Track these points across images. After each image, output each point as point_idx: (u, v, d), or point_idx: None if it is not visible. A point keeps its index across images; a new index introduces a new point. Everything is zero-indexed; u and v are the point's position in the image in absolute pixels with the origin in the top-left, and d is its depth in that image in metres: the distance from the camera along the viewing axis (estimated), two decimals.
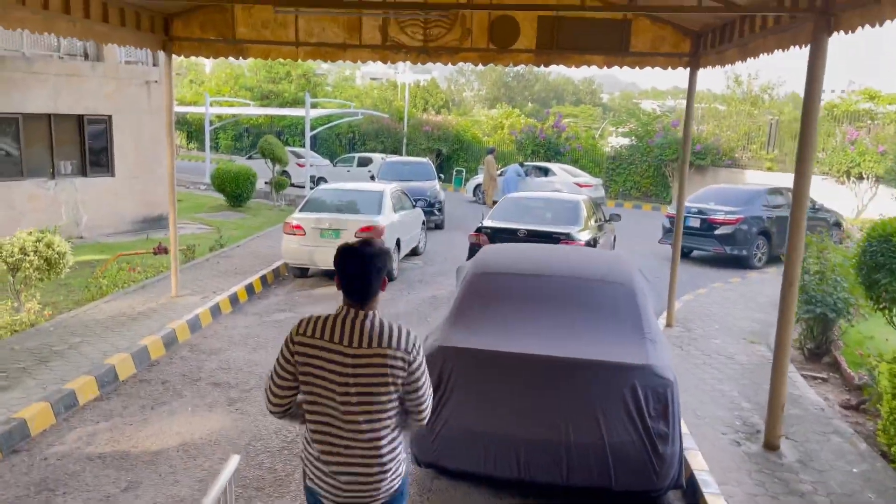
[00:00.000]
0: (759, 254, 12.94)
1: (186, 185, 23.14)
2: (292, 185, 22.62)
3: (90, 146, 14.40)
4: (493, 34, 7.87)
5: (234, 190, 18.49)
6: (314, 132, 25.65)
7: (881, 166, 19.97)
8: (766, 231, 12.99)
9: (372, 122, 29.26)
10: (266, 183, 20.83)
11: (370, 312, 2.42)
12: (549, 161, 24.04)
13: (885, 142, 20.16)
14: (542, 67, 8.08)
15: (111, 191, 14.67)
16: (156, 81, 15.15)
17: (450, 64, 8.06)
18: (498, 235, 9.11)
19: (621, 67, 7.94)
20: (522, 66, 8.07)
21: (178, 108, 32.06)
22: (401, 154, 27.38)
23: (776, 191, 13.74)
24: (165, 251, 11.95)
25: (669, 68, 7.86)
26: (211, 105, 26.16)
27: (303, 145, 25.82)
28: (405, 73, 38.98)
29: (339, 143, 30.58)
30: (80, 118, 14.09)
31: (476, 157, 27.84)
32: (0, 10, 5.49)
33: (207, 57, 8.27)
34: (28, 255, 7.73)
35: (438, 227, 16.72)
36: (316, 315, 2.52)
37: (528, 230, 9.08)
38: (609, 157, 24.93)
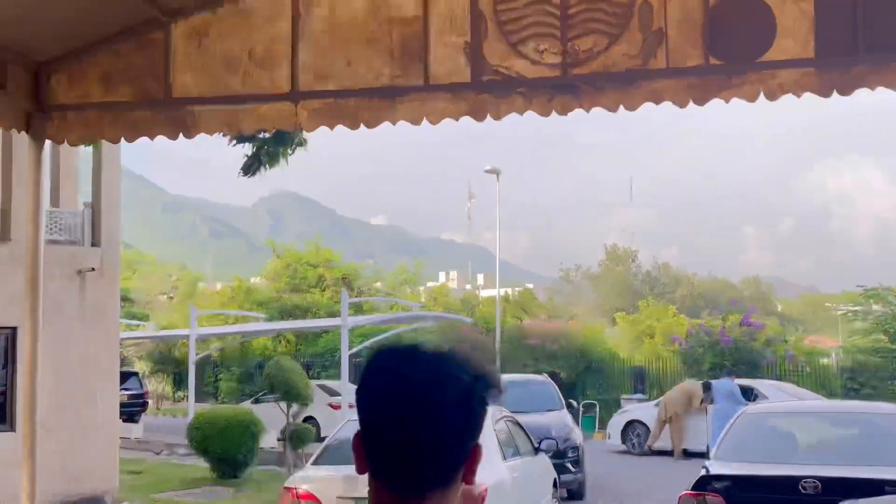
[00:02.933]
0: None
1: (157, 450, 21.29)
2: (320, 439, 20.10)
3: None
4: (713, 37, 5.20)
5: (224, 450, 16.21)
6: (356, 351, 23.44)
7: None
8: None
9: (446, 333, 27.81)
10: (279, 438, 18.30)
11: None
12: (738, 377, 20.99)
13: None
14: (835, 96, 5.21)
15: (5, 458, 12.21)
16: (93, 269, 13.29)
17: (621, 108, 5.29)
18: (750, 492, 6.87)
19: None
20: (791, 94, 5.21)
21: (156, 334, 31.44)
22: None
23: None
24: None
25: None
26: (200, 324, 24.99)
27: (338, 376, 24.62)
28: (486, 289, 39.31)
29: None
30: None
31: (615, 382, 26.49)
32: None
33: (114, 140, 5.79)
34: None
35: (575, 495, 13.97)
36: None
37: (820, 478, 6.46)
38: (844, 368, 22.39)
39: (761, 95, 5.35)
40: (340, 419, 20.70)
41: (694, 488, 6.88)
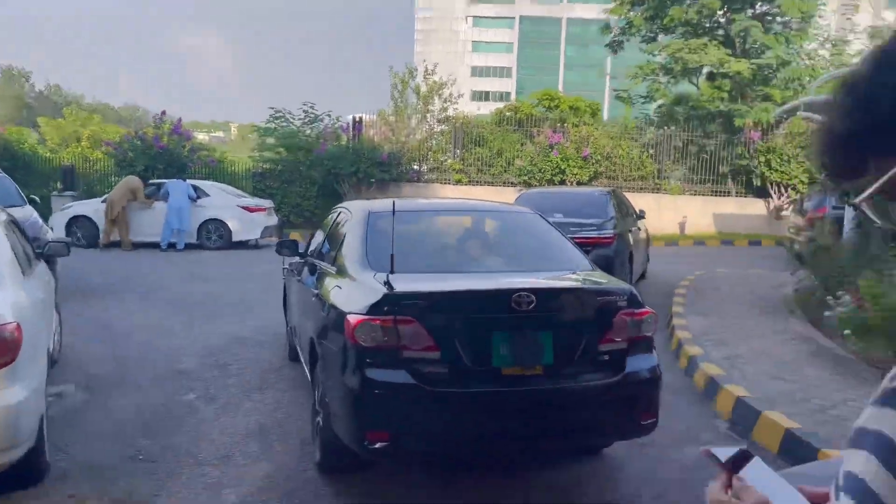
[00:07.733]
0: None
1: None
2: None
3: None
4: None
5: None
6: None
7: (585, 172, 27.05)
8: (632, 253, 13.24)
9: None
10: None
11: None
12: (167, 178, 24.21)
13: (586, 145, 27.25)
14: None
15: None
16: None
17: None
18: (451, 314, 5.35)
19: None
20: None
21: None
22: None
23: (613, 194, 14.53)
24: None
25: None
26: None
27: None
28: None
29: None
30: None
31: (46, 179, 28.49)
32: None
33: None
34: None
35: None
36: None
37: (533, 290, 5.39)
38: (255, 173, 28.17)
39: None
40: None
41: (371, 312, 5.23)
